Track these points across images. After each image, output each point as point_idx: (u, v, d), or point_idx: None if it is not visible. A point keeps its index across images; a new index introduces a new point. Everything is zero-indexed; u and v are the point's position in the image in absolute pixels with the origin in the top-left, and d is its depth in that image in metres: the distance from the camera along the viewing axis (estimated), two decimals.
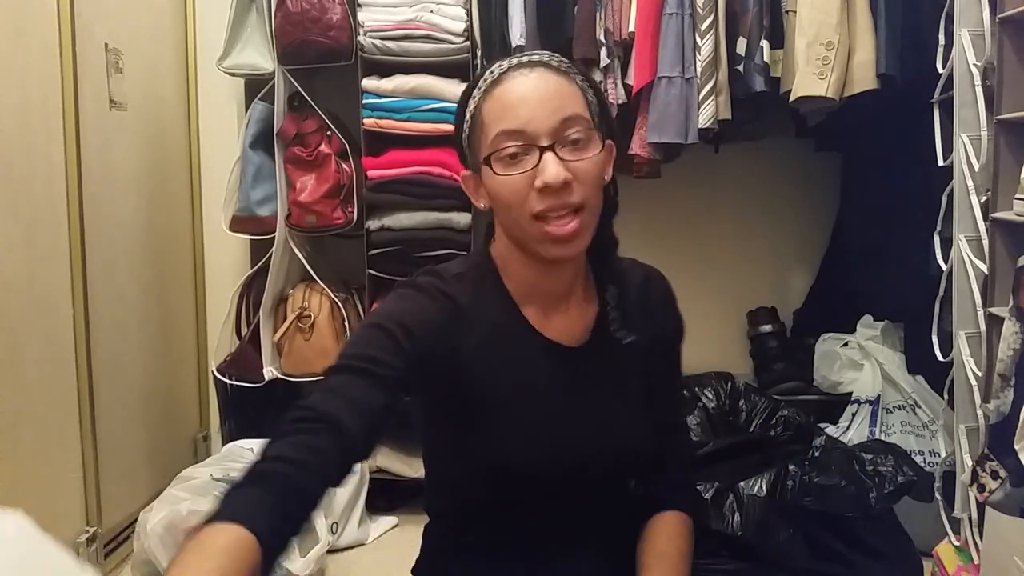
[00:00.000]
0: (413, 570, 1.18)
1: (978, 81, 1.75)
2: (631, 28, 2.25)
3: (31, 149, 1.92)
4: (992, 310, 1.69)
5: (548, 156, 0.96)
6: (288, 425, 0.86)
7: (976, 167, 1.76)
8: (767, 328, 2.62)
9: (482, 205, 1.04)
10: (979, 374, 1.74)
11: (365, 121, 2.42)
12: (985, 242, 1.73)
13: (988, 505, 1.49)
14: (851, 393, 2.32)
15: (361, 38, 2.39)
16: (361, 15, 2.39)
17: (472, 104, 1.02)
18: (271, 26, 2.41)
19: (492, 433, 1.02)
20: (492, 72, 1.02)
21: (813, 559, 1.74)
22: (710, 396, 2.04)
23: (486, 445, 1.02)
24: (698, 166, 2.59)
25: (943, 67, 1.92)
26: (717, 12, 2.20)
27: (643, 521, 1.12)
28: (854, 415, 2.26)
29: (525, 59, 1.01)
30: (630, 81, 2.27)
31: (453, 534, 1.11)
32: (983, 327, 1.74)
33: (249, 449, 2.25)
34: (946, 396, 1.99)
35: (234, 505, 0.77)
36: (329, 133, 2.47)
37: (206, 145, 2.79)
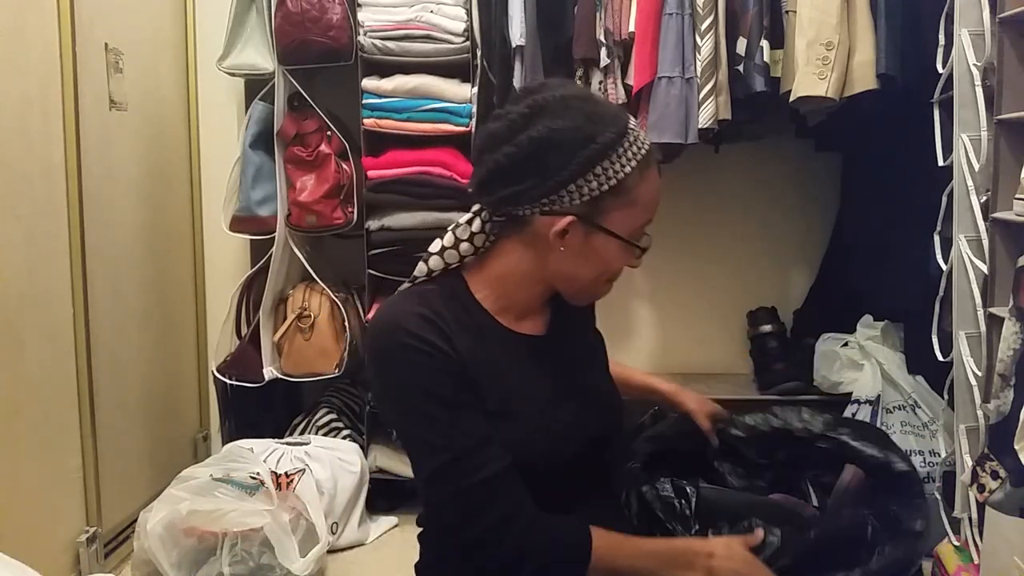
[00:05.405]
0: (416, 568, 1.18)
1: (978, 81, 1.75)
2: (631, 28, 2.25)
3: (31, 149, 1.92)
4: (992, 310, 1.69)
5: None
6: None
7: (976, 167, 1.76)
8: (767, 328, 2.61)
9: (561, 249, 1.07)
10: (979, 374, 1.74)
11: (365, 121, 2.42)
12: (985, 242, 1.73)
13: (988, 505, 1.49)
14: (851, 393, 2.31)
15: (361, 38, 2.39)
16: (361, 15, 2.39)
17: (620, 167, 1.04)
18: (271, 26, 2.41)
19: (507, 428, 1.07)
20: (638, 143, 1.06)
21: None
22: None
23: (509, 438, 1.06)
24: (698, 166, 2.59)
25: (943, 67, 1.92)
26: (717, 12, 2.20)
27: None
28: (854, 415, 2.26)
29: (650, 142, 1.08)
30: (630, 81, 2.27)
31: None
32: (983, 327, 1.74)
33: (249, 449, 2.25)
34: (946, 396, 1.99)
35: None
36: (329, 133, 2.47)
37: (206, 145, 2.79)
